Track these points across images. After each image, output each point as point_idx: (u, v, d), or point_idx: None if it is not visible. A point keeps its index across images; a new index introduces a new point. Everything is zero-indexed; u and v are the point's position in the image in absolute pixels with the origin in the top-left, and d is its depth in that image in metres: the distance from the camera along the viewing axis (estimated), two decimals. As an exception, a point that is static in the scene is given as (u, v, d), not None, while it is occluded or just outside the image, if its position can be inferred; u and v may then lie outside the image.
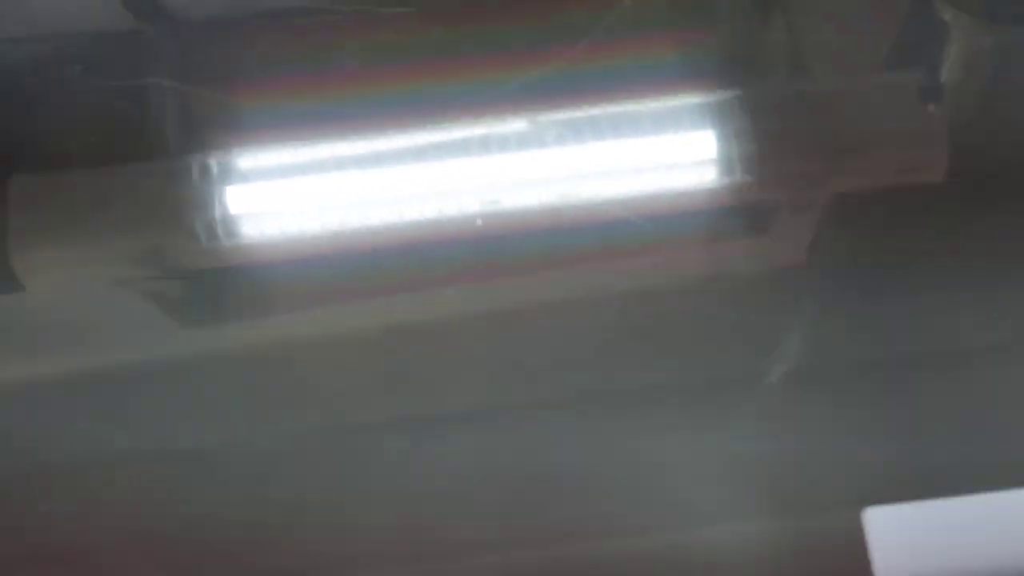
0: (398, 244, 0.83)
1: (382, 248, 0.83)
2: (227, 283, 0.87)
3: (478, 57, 0.85)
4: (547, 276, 0.81)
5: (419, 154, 0.84)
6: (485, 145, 0.84)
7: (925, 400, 0.76)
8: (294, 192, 0.85)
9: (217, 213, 0.85)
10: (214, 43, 0.91)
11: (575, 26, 0.84)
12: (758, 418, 0.75)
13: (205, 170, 0.86)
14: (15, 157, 0.89)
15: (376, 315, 0.83)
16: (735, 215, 0.82)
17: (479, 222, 0.82)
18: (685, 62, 0.84)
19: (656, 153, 0.82)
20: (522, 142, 0.83)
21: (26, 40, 0.95)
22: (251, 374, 0.83)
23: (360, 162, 0.85)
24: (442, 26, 0.86)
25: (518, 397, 0.79)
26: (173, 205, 0.86)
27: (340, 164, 0.85)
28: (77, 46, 0.93)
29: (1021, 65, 0.87)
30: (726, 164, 0.81)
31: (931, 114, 0.85)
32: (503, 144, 0.83)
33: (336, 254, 0.83)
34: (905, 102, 0.85)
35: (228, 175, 0.86)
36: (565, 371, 0.79)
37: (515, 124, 0.83)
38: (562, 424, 0.77)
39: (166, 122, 0.89)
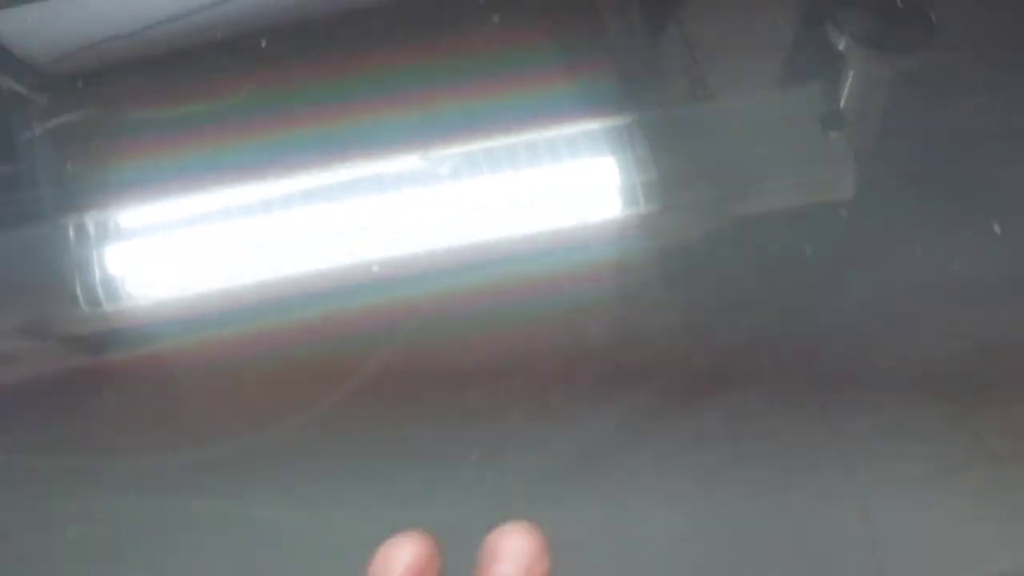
0: (293, 294, 0.79)
1: (278, 299, 0.79)
2: (115, 348, 0.82)
3: (365, 97, 0.83)
4: (450, 317, 0.78)
5: (307, 199, 0.81)
6: (378, 185, 0.81)
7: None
8: (179, 247, 0.81)
9: (98, 276, 0.81)
10: (86, 97, 0.87)
11: (464, 62, 0.83)
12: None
13: (81, 231, 0.82)
14: None
15: (280, 366, 0.78)
16: (643, 242, 0.80)
17: (375, 268, 0.78)
18: (580, 89, 0.82)
19: (556, 183, 0.80)
20: (416, 179, 0.80)
21: None
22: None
23: (247, 211, 0.81)
24: (326, 68, 0.84)
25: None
26: (51, 271, 0.81)
27: (226, 215, 0.81)
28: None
29: (917, 92, 0.87)
30: (629, 192, 0.79)
31: (833, 138, 0.84)
32: (396, 183, 0.81)
33: (229, 308, 0.79)
34: (806, 123, 0.84)
35: (107, 235, 0.82)
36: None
37: (408, 161, 0.81)
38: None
39: (38, 183, 0.85)
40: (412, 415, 0.75)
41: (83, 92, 0.87)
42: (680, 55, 0.86)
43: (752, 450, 0.72)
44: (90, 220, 0.82)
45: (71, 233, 0.82)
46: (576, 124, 0.81)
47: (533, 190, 0.80)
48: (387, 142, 0.81)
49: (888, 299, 0.77)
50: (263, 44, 0.85)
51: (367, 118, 0.82)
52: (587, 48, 0.85)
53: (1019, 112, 0.85)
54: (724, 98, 0.85)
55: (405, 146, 0.81)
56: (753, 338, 0.75)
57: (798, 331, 0.76)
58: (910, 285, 0.77)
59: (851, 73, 0.87)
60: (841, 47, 0.88)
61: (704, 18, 0.87)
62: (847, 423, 0.73)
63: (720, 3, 0.87)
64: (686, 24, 0.87)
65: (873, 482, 0.70)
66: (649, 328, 0.76)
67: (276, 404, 0.77)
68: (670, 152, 0.81)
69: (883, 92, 0.87)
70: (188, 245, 0.81)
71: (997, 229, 0.78)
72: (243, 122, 0.83)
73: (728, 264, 0.78)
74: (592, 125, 0.81)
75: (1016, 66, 0.86)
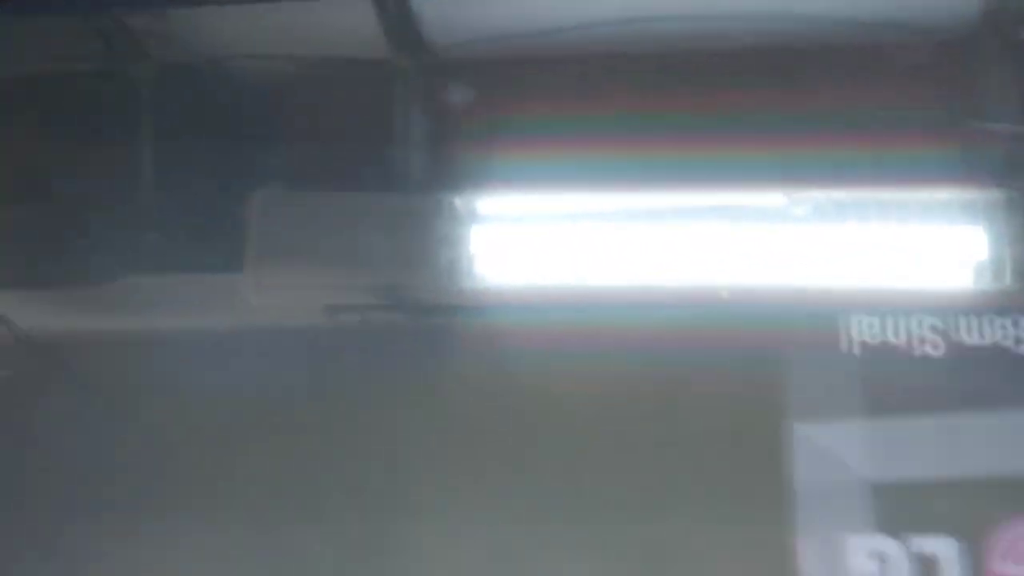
0: (635, 303, 0.81)
1: (619, 305, 0.81)
2: (455, 324, 0.86)
3: (745, 134, 0.83)
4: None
5: (669, 217, 0.83)
6: (736, 216, 0.82)
7: None
8: (537, 240, 0.85)
9: (460, 253, 0.84)
10: (469, 85, 0.90)
11: (843, 113, 0.82)
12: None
13: (452, 209, 0.85)
14: (259, 173, 0.90)
15: (606, 370, 0.80)
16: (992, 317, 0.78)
17: (725, 294, 0.80)
18: (964, 159, 0.81)
19: (915, 244, 0.79)
20: (773, 216, 0.81)
21: (275, 57, 0.95)
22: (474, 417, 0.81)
23: (607, 218, 0.83)
24: (703, 100, 0.85)
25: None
26: (416, 240, 0.85)
27: (588, 218, 0.84)
28: (329, 68, 0.93)
29: None
30: (996, 266, 0.77)
31: None
32: (757, 216, 0.81)
33: (572, 306, 0.82)
34: None
35: (474, 216, 0.85)
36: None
37: (772, 198, 0.81)
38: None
39: (412, 155, 0.89)
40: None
41: (472, 81, 0.90)
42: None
43: None
44: (459, 201, 0.85)
45: (442, 208, 0.85)
46: (955, 191, 0.79)
47: (890, 246, 0.80)
48: (752, 176, 0.81)
49: None
50: (646, 67, 0.86)
51: (735, 152, 0.82)
52: (968, 118, 0.83)
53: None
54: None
55: (769, 183, 0.81)
56: None
57: None
58: None
59: None
60: None
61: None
62: None
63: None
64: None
65: None
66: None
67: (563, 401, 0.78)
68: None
69: None
70: (547, 239, 0.84)
71: None
72: (619, 139, 0.84)
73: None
74: (969, 195, 0.79)
75: None
